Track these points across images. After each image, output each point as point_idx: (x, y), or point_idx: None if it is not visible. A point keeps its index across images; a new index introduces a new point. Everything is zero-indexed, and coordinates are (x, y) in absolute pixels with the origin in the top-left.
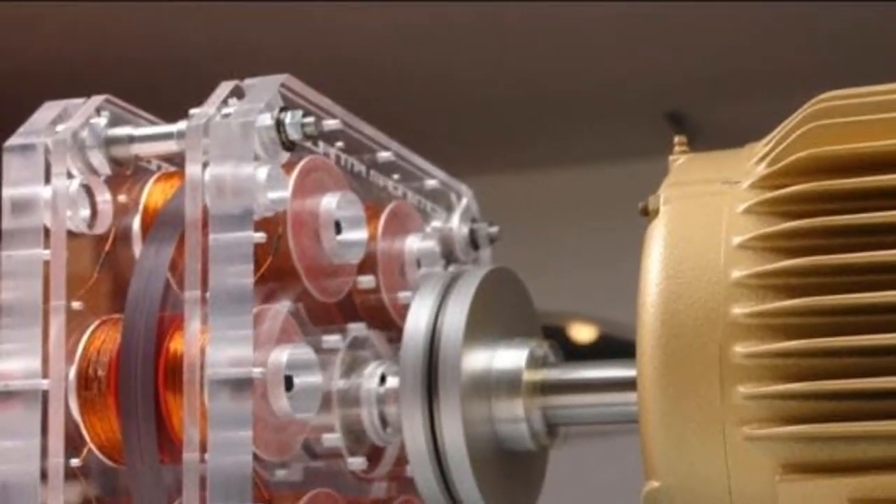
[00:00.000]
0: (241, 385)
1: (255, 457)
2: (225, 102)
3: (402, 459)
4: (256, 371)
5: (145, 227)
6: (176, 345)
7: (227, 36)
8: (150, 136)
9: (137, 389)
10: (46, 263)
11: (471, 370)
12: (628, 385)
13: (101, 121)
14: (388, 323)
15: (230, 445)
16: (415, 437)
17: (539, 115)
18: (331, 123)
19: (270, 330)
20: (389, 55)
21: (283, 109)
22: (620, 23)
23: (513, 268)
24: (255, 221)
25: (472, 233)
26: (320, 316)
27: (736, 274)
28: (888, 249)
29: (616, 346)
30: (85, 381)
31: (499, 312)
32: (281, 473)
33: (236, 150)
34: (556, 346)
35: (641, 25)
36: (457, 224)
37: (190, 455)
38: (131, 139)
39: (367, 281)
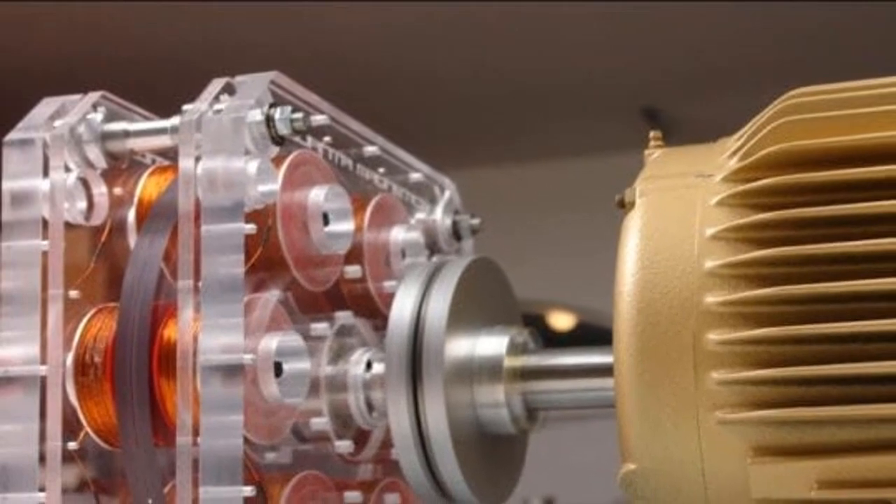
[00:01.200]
0: (232, 371)
1: (246, 440)
2: (217, 99)
3: (387, 443)
4: (247, 357)
5: (140, 219)
6: (169, 332)
7: (219, 35)
8: (144, 131)
9: (132, 375)
10: (44, 254)
11: (454, 357)
12: (605, 371)
13: (98, 116)
14: (374, 311)
15: (222, 429)
16: (400, 421)
17: (519, 111)
18: (319, 119)
19: (260, 318)
20: (375, 53)
21: (272, 105)
22: (598, 22)
23: (494, 258)
24: (246, 213)
25: (455, 224)
26: (309, 304)
27: (709, 264)
28: (855, 240)
29: (593, 334)
30: (82, 368)
31: (480, 301)
32: (271, 456)
33: (227, 145)
34: (536, 333)
35: (618, 24)
36: (440, 216)
37: (183, 438)
38: (126, 134)
39: (353, 271)
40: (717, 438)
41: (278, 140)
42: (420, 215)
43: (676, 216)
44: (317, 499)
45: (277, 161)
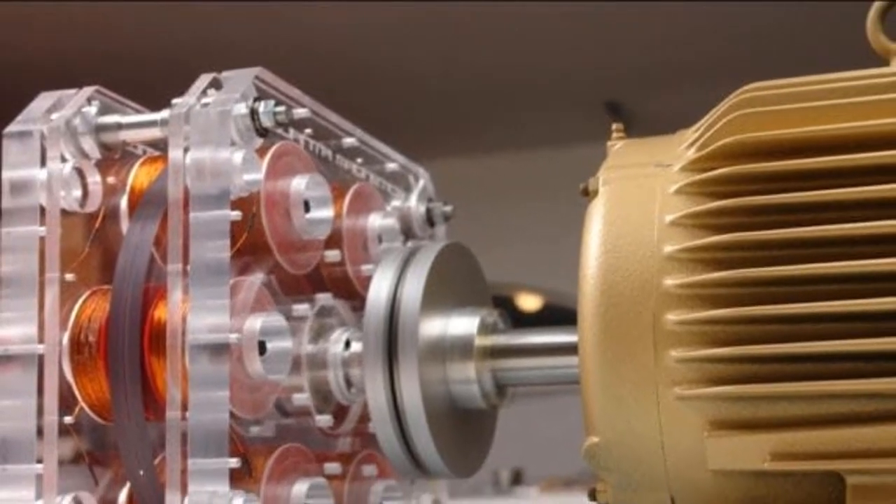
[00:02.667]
0: (218, 350)
1: (232, 415)
2: (204, 93)
3: (364, 417)
4: (233, 337)
5: (132, 206)
6: (160, 313)
7: (206, 33)
8: (136, 123)
9: (125, 354)
10: (42, 239)
11: (427, 336)
12: (570, 350)
13: (92, 110)
14: (353, 293)
15: (209, 404)
16: (376, 396)
17: (489, 104)
18: (300, 112)
19: (245, 299)
20: (353, 50)
21: (256, 99)
22: (563, 21)
23: (465, 243)
24: (232, 201)
25: (429, 211)
26: (291, 287)
27: (668, 249)
28: (805, 226)
29: (559, 314)
30: (77, 346)
31: (453, 283)
32: (255, 430)
33: (214, 136)
34: (505, 314)
35: (583, 23)
36: (414, 203)
37: (172, 413)
38: (119, 126)
39: (333, 255)
40: (675, 413)
41: (262, 132)
42: (396, 203)
43: (637, 203)
44: (298, 470)
45: (261, 152)
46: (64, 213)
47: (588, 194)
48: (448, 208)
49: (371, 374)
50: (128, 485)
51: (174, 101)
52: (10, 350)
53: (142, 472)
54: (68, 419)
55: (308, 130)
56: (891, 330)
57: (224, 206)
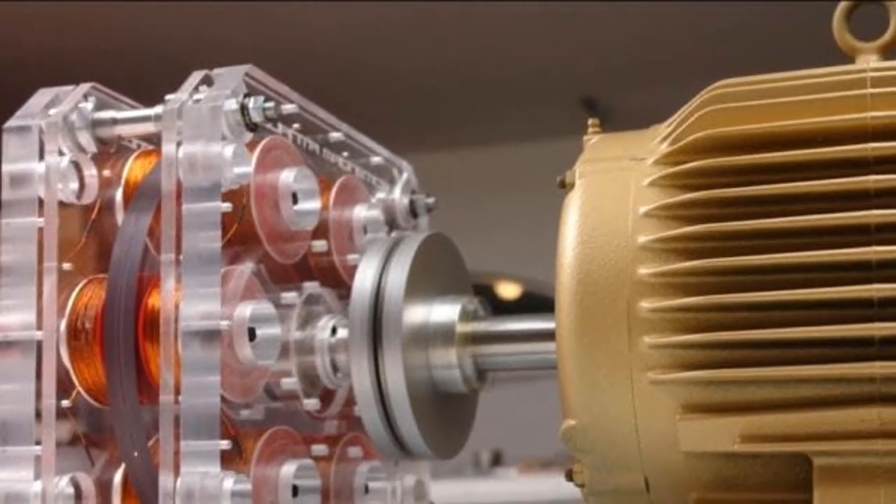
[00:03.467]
0: (210, 336)
1: (223, 399)
2: (196, 89)
3: (350, 401)
4: (223, 324)
5: (127, 198)
6: (153, 301)
7: (198, 32)
8: (131, 118)
9: (120, 340)
10: (40, 230)
11: (411, 323)
12: (548, 336)
13: (89, 105)
14: (339, 282)
15: (201, 389)
16: (362, 381)
17: (469, 100)
18: (288, 108)
19: (236, 288)
20: (340, 49)
21: (246, 95)
22: (542, 20)
23: (447, 233)
24: (223, 193)
25: (412, 203)
26: (279, 276)
27: (642, 239)
28: (773, 218)
29: (537, 302)
30: (74, 333)
31: (435, 272)
32: (245, 413)
33: (206, 131)
34: (485, 301)
35: (560, 22)
36: (398, 195)
37: (166, 397)
38: (114, 121)
39: (320, 245)
40: (648, 397)
41: (252, 127)
42: (380, 195)
43: (612, 196)
44: (287, 452)
45: (251, 146)
46: (61, 204)
47: (565, 187)
48: (430, 200)
49: (356, 360)
50: (123, 466)
51: (167, 97)
52: (10, 336)
53: (136, 454)
54: (66, 403)
55: (296, 125)
56: (855, 317)
57: (215, 198)
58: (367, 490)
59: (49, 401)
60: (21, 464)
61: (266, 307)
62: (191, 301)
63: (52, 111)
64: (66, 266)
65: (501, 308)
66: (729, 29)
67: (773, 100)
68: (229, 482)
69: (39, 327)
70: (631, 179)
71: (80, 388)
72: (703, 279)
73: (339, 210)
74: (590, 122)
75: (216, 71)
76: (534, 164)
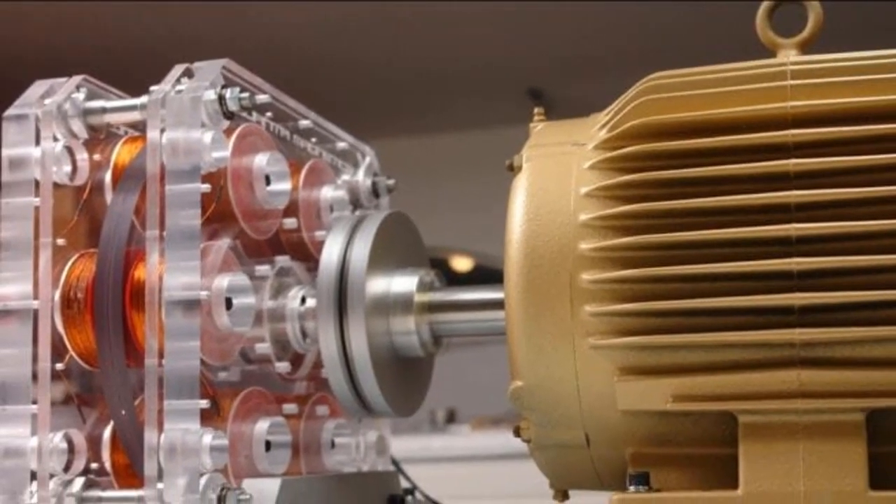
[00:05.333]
0: (191, 305)
1: (202, 362)
2: (178, 81)
3: (318, 364)
4: (203, 294)
5: (115, 180)
6: (139, 273)
7: (180, 29)
8: (119, 107)
9: (109, 309)
10: (36, 209)
11: (373, 293)
12: (498, 305)
13: (80, 96)
14: (308, 256)
15: (182, 353)
16: (328, 346)
17: (427, 91)
18: (262, 98)
19: (214, 261)
20: (308, 44)
21: (224, 87)
22: (492, 18)
23: (406, 212)
24: (202, 175)
25: (374, 184)
26: (253, 250)
27: (583, 217)
28: (703, 198)
29: (488, 275)
30: (67, 302)
31: (395, 247)
32: (222, 375)
33: (187, 119)
34: (441, 274)
35: (509, 20)
36: (362, 177)
37: (150, 361)
38: (104, 110)
39: (290, 222)
40: (589, 360)
41: (228, 115)
42: (345, 177)
43: (556, 177)
44: (260, 410)
45: (228, 132)
46: (56, 185)
47: (513, 170)
48: (391, 182)
49: (324, 327)
50: (112, 423)
51: (152, 88)
52: (9, 305)
53: (124, 412)
54: (59, 366)
55: (269, 114)
56: (777, 288)
57: (195, 179)
58: (333, 445)
59: (44, 364)
60: (19, 421)
61: (241, 279)
62: (173, 273)
63: (47, 101)
64: (60, 241)
65: (455, 280)
66: (663, 26)
67: (702, 90)
68: (208, 438)
69: (36, 297)
70: (573, 163)
71: (72, 353)
72: (639, 253)
73: (308, 191)
74: (535, 111)
75: (196, 64)
76: (485, 149)
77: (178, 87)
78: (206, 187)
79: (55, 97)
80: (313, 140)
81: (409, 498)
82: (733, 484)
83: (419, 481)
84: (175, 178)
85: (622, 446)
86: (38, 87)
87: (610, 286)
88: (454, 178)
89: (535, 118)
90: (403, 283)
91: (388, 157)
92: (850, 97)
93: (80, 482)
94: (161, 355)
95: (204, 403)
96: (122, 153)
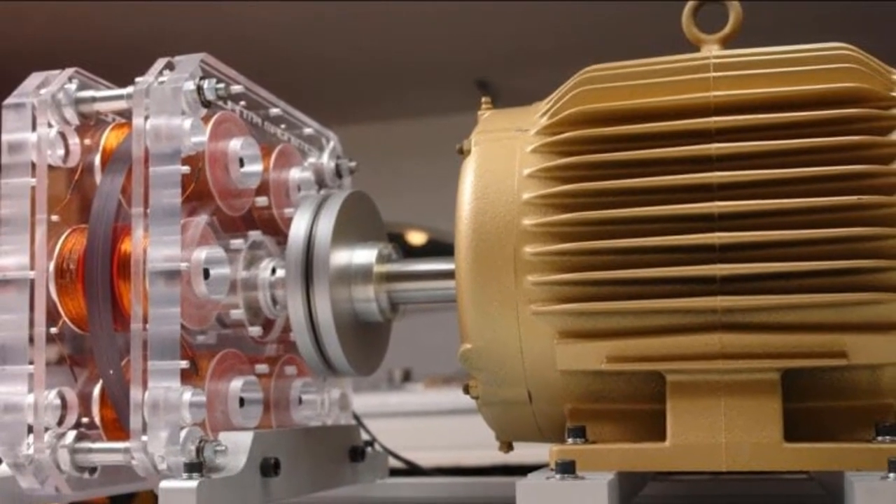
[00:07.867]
0: (172, 275)
1: (182, 326)
2: (161, 73)
3: (287, 328)
4: (183, 265)
5: (104, 163)
6: (126, 246)
7: (163, 26)
8: (107, 97)
9: (98, 278)
10: (32, 188)
11: (336, 264)
12: (449, 275)
13: (73, 86)
14: (277, 231)
15: (164, 318)
16: (296, 312)
17: (385, 82)
18: (236, 88)
19: (193, 236)
20: (279, 39)
21: (202, 78)
22: (442, 14)
23: (367, 191)
24: (182, 158)
25: (338, 167)
26: (229, 226)
27: (525, 196)
28: (634, 178)
29: (441, 248)
30: (60, 273)
31: (356, 223)
32: (200, 338)
33: (169, 107)
34: (398, 247)
35: (459, 17)
36: (326, 160)
37: (136, 325)
38: (94, 99)
39: (262, 201)
40: (531, 325)
41: (206, 104)
42: (311, 159)
43: (501, 160)
44: (235, 370)
45: (205, 119)
46: (50, 167)
47: (463, 153)
48: (353, 164)
49: (292, 295)
50: (101, 382)
51: (137, 79)
52: (7, 276)
53: (111, 372)
54: (54, 330)
55: (242, 102)
56: (701, 259)
57: (176, 162)
58: (300, 401)
59: (40, 328)
60: (17, 380)
61: (218, 251)
62: (156, 246)
63: (42, 91)
64: (54, 218)
65: (411, 252)
66: (598, 23)
67: (633, 81)
68: (188, 395)
69: (32, 268)
70: (517, 147)
71: (65, 318)
72: (576, 229)
73: (278, 172)
74: (483, 100)
75: (177, 58)
76: (437, 135)
77: (161, 79)
78: (185, 169)
79: (50, 88)
80: (282, 126)
81: (369, 449)
82: (661, 437)
83: (378, 434)
84: (158, 161)
85: (561, 402)
86: (34, 79)
87: (550, 258)
88: (410, 161)
89: (483, 107)
90: (364, 255)
91: (350, 141)
92: (766, 87)
93: (72, 435)
94: (145, 320)
95: (184, 364)
96: (110, 138)
